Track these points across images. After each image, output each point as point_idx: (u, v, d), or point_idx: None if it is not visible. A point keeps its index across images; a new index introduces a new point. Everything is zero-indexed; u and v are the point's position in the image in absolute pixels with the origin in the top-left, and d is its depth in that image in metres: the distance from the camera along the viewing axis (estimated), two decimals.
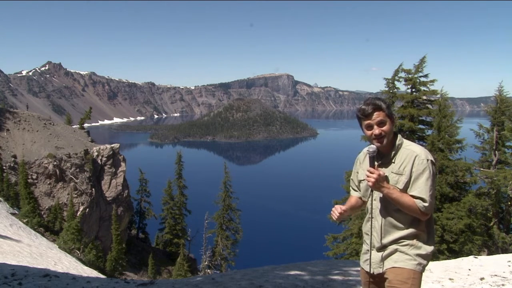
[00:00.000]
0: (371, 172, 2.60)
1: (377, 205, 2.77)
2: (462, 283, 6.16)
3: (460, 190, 14.63)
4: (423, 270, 2.67)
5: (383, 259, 2.74)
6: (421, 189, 2.57)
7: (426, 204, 2.55)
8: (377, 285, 2.84)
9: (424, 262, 2.67)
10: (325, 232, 17.66)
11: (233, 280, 6.15)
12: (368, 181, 2.62)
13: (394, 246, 2.69)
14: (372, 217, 2.80)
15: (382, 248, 2.75)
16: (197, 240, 29.74)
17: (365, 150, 2.94)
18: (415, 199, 2.57)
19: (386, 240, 2.72)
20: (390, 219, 2.70)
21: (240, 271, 7.66)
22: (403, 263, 2.64)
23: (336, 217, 2.79)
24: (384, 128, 2.65)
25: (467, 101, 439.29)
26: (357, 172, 2.99)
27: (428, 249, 2.68)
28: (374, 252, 2.80)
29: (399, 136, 2.75)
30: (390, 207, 2.69)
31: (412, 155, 2.64)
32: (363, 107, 2.70)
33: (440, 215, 13.64)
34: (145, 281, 7.86)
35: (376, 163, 2.71)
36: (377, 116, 2.65)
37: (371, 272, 2.80)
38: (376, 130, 2.66)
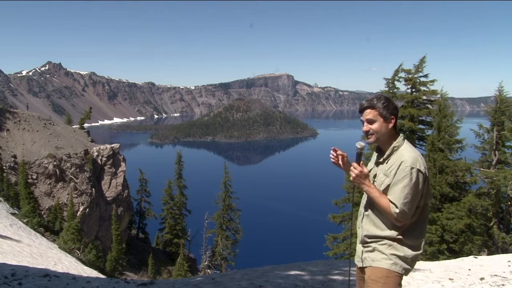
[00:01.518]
0: (354, 167, 2.67)
1: (365, 201, 2.84)
2: (462, 283, 6.16)
3: (460, 190, 14.64)
4: (402, 271, 2.63)
5: (363, 253, 2.80)
6: (396, 195, 2.56)
7: (397, 211, 2.53)
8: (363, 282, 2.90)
9: (401, 263, 2.63)
10: (325, 232, 17.65)
11: (233, 280, 6.15)
12: (350, 176, 2.69)
13: (373, 244, 2.73)
14: (362, 212, 2.88)
15: (364, 242, 2.80)
16: (197, 240, 29.72)
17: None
18: (390, 203, 2.57)
19: (367, 236, 2.76)
20: (373, 216, 2.74)
21: (240, 271, 7.66)
22: (378, 262, 2.67)
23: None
24: (373, 126, 2.70)
25: (467, 101, 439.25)
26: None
27: (407, 252, 2.64)
28: (359, 246, 2.87)
29: (400, 138, 2.74)
30: (374, 206, 2.73)
31: (399, 160, 2.62)
32: (362, 101, 2.80)
33: (440, 215, 13.64)
34: (145, 281, 7.85)
35: (362, 160, 2.74)
36: (368, 113, 2.71)
37: (355, 264, 2.90)
38: (364, 127, 2.74)
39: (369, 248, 2.75)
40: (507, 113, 16.44)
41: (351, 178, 2.69)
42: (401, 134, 2.77)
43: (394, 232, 2.64)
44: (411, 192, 2.53)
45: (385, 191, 2.63)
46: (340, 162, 2.89)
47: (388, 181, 2.64)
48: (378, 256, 2.69)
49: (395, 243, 2.65)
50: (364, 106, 2.74)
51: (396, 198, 2.56)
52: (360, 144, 2.71)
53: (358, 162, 2.70)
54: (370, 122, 2.71)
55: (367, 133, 2.74)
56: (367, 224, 2.77)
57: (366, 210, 2.80)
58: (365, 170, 2.66)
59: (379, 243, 2.70)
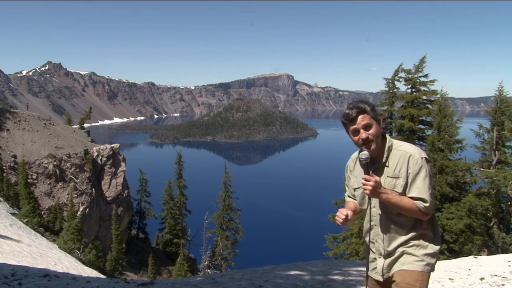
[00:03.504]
0: (366, 180, 2.48)
1: (377, 211, 2.69)
2: (462, 283, 6.15)
3: (460, 190, 14.63)
4: (431, 270, 2.61)
5: (391, 264, 2.68)
6: (420, 189, 2.50)
7: (427, 204, 2.48)
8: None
9: (432, 261, 2.61)
10: (325, 232, 17.65)
11: (233, 280, 6.15)
12: (365, 190, 2.50)
13: (400, 249, 2.63)
14: (374, 225, 2.73)
15: (388, 255, 2.69)
16: (197, 240, 29.73)
17: (353, 156, 2.88)
18: (415, 201, 2.50)
19: (391, 246, 2.65)
20: (393, 224, 2.64)
21: (240, 271, 7.65)
22: (410, 265, 2.58)
23: (341, 221, 2.63)
24: (371, 131, 2.55)
25: (467, 101, 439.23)
26: (349, 179, 2.92)
27: (435, 247, 2.62)
28: (381, 260, 2.73)
29: (388, 137, 2.66)
30: (390, 212, 2.62)
31: (405, 156, 2.55)
32: (346, 111, 2.60)
33: (440, 215, 13.64)
34: (145, 281, 7.85)
35: (370, 170, 2.59)
36: (362, 119, 2.54)
37: (383, 279, 2.73)
38: (363, 135, 2.55)
39: (397, 255, 2.65)
40: (507, 113, 16.42)
41: (367, 192, 2.50)
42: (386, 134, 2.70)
43: (419, 228, 2.60)
44: (431, 182, 2.53)
45: (402, 193, 2.55)
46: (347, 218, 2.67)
47: (402, 182, 2.54)
48: (409, 258, 2.60)
49: (422, 241, 2.61)
50: (356, 112, 2.55)
51: (422, 192, 2.49)
52: (364, 154, 2.55)
53: (367, 173, 2.54)
54: (367, 127, 2.55)
55: (366, 141, 2.55)
56: (391, 236, 2.65)
57: (386, 222, 2.66)
58: (378, 179, 2.50)
59: (406, 246, 2.62)
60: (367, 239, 2.80)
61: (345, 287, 5.67)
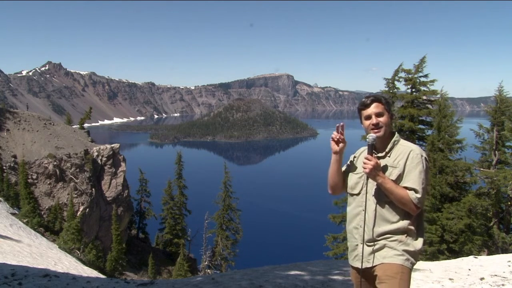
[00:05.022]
0: (368, 159, 2.65)
1: (369, 197, 2.77)
2: (462, 283, 6.16)
3: (460, 190, 14.62)
4: (411, 267, 2.67)
5: (371, 252, 2.72)
6: (414, 180, 2.62)
7: (419, 196, 2.58)
8: (368, 283, 2.80)
9: (412, 259, 2.66)
10: (325, 232, 17.66)
11: (233, 280, 6.15)
12: (365, 168, 2.65)
13: (382, 242, 2.69)
14: (362, 210, 2.79)
15: (371, 241, 2.73)
16: (197, 240, 29.72)
17: (361, 148, 3.01)
18: (408, 191, 2.60)
19: (376, 233, 2.70)
20: (382, 212, 2.70)
21: (240, 271, 7.66)
22: (391, 259, 2.64)
23: (335, 135, 2.82)
24: (381, 119, 2.76)
25: (467, 101, 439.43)
26: (353, 160, 3.01)
27: (416, 246, 2.68)
28: (361, 246, 2.78)
29: (397, 134, 2.85)
30: (383, 200, 2.69)
31: (407, 150, 2.72)
32: (363, 99, 2.85)
33: (440, 215, 13.64)
34: (145, 281, 7.86)
35: (374, 153, 2.76)
36: (376, 107, 2.78)
37: (362, 266, 2.75)
38: (374, 120, 2.77)
39: (378, 246, 2.70)
40: (507, 113, 16.38)
41: (366, 171, 2.66)
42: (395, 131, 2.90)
43: (406, 221, 2.66)
44: (426, 177, 2.65)
45: (395, 182, 2.65)
46: (339, 145, 2.82)
47: (398, 171, 2.67)
48: (390, 252, 2.66)
49: (405, 238, 2.66)
50: (371, 100, 2.79)
51: (415, 184, 2.61)
52: (372, 136, 2.73)
53: (370, 154, 2.70)
54: (379, 115, 2.77)
55: (376, 126, 2.75)
56: (378, 224, 2.71)
57: (376, 209, 2.73)
58: (379, 161, 2.67)
59: (389, 239, 2.68)
60: (352, 225, 2.87)
61: (345, 287, 5.67)
